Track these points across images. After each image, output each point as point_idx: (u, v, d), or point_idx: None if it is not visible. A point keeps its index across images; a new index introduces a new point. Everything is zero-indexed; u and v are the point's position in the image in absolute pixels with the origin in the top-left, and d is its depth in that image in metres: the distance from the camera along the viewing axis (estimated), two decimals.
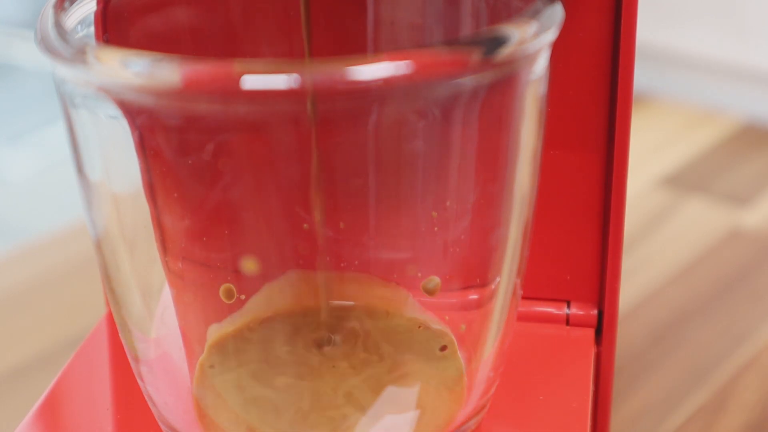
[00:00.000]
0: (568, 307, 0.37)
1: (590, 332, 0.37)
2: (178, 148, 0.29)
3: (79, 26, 0.30)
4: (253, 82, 0.25)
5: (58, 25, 0.28)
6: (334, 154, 0.30)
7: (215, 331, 0.34)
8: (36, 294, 0.56)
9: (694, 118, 0.73)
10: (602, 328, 0.37)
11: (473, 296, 0.33)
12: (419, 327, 0.34)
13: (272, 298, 0.35)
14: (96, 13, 0.31)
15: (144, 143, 0.29)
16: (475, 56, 0.26)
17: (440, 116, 0.29)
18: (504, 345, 0.32)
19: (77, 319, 0.52)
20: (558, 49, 0.30)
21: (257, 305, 0.35)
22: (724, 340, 0.50)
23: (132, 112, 0.28)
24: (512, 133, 0.30)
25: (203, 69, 0.25)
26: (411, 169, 0.31)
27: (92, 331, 0.38)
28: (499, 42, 0.26)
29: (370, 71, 0.25)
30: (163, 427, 0.32)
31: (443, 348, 0.34)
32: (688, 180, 0.64)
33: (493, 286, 0.32)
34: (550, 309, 0.38)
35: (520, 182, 0.30)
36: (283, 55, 0.36)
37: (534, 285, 0.37)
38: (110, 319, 0.38)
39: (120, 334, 0.32)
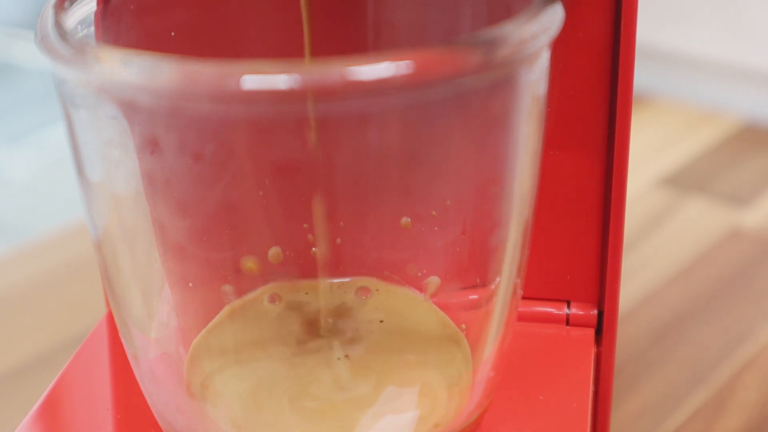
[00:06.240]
0: (568, 307, 0.37)
1: (590, 332, 0.37)
2: (178, 148, 0.29)
3: (79, 26, 0.30)
4: (253, 82, 0.25)
5: (58, 25, 0.28)
6: (334, 154, 0.30)
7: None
8: (36, 294, 0.56)
9: (694, 118, 0.73)
10: (602, 328, 0.37)
11: (473, 296, 0.33)
12: (424, 322, 0.34)
13: (270, 291, 0.35)
14: (96, 13, 0.31)
15: (144, 143, 0.29)
16: (475, 56, 0.26)
17: (440, 116, 0.29)
18: (504, 345, 0.32)
19: (77, 319, 0.52)
20: (558, 49, 0.30)
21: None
22: (724, 340, 0.50)
23: (132, 112, 0.28)
24: (512, 133, 0.30)
25: (203, 69, 0.25)
26: (411, 168, 0.31)
27: (92, 331, 0.38)
28: (498, 42, 0.26)
29: (370, 71, 0.25)
30: (163, 426, 0.32)
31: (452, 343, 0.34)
32: (688, 180, 0.64)
33: (493, 286, 0.32)
34: (550, 309, 0.38)
35: (520, 182, 0.30)
36: (283, 55, 0.35)
37: (534, 285, 0.37)
38: (110, 319, 0.38)
39: (120, 334, 0.32)
